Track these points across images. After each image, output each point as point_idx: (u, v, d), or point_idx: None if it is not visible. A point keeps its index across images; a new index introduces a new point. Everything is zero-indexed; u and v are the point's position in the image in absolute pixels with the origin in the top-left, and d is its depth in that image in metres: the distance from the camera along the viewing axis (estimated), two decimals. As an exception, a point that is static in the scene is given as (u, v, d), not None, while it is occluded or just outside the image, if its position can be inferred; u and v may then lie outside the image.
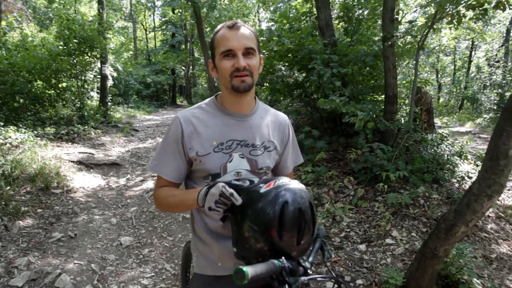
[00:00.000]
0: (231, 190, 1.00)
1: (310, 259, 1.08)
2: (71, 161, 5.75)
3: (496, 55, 16.49)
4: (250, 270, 0.78)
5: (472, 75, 19.63)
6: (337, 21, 7.12)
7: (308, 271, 0.99)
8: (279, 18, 6.91)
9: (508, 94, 13.63)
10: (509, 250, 3.09)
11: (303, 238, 0.96)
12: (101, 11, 10.06)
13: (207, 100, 1.30)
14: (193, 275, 1.32)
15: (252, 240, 0.96)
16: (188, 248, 2.11)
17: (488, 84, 15.99)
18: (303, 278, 0.93)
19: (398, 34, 5.11)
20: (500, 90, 14.19)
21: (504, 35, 16.44)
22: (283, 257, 0.90)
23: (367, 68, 5.79)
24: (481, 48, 19.72)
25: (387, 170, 3.83)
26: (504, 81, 14.30)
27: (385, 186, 3.66)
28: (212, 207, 1.02)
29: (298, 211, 0.94)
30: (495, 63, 15.72)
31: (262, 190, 0.99)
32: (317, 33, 6.22)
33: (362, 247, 3.06)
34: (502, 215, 3.67)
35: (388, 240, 3.10)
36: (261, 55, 1.23)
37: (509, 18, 16.11)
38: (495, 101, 14.29)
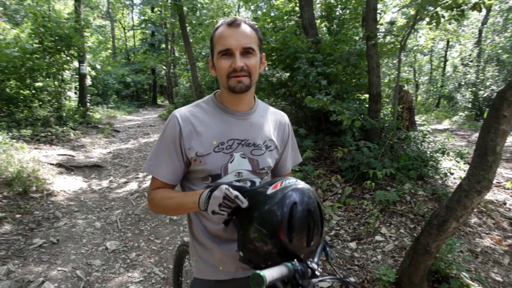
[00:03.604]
0: (236, 193, 0.96)
1: (315, 260, 1.06)
2: (50, 164, 5.54)
3: (470, 55, 17.10)
4: (267, 274, 0.75)
5: (448, 74, 20.30)
6: (319, 21, 7.19)
7: (316, 272, 0.97)
8: (263, 17, 6.90)
9: (481, 92, 14.18)
10: (492, 243, 3.19)
11: (313, 239, 0.94)
12: (78, 8, 9.74)
13: (205, 98, 1.25)
14: (193, 280, 1.27)
15: (260, 243, 0.93)
16: (181, 251, 2.05)
17: (463, 83, 16.58)
18: (314, 280, 0.91)
19: (380, 33, 5.20)
20: (474, 89, 14.73)
21: (477, 36, 17.09)
22: (295, 260, 0.87)
23: (350, 67, 5.86)
24: (456, 48, 20.43)
25: (374, 168, 3.88)
26: (477, 80, 14.85)
27: (372, 183, 3.71)
28: (216, 210, 0.98)
29: (307, 212, 0.92)
30: (469, 63, 16.32)
31: (269, 191, 0.96)
32: (301, 32, 6.24)
33: (353, 244, 3.08)
34: (484, 209, 3.79)
35: (378, 237, 3.14)
36: (263, 54, 1.19)
37: (481, 19, 16.76)
38: (470, 100, 14.84)
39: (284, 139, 1.34)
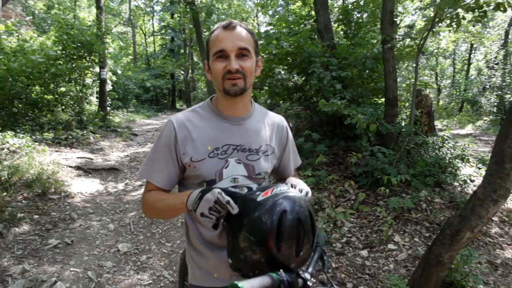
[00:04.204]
0: (228, 198, 0.94)
1: (310, 269, 1.03)
2: (69, 166, 5.70)
3: (496, 57, 16.46)
4: (246, 285, 0.72)
5: (472, 77, 19.63)
6: (336, 24, 7.11)
7: (308, 283, 0.93)
8: (278, 22, 6.90)
9: (508, 96, 13.60)
10: (514, 255, 3.03)
11: (302, 249, 0.90)
12: (99, 16, 10.05)
13: (201, 103, 1.25)
14: (189, 286, 1.26)
15: (249, 252, 0.90)
16: (185, 256, 2.05)
17: (487, 86, 15.97)
18: (303, 291, 0.88)
19: (398, 36, 5.08)
20: (499, 92, 14.16)
21: (503, 37, 16.45)
22: (281, 270, 0.85)
23: (367, 71, 5.76)
24: (480, 51, 19.74)
25: (389, 173, 3.77)
26: (503, 83, 14.27)
27: (386, 190, 3.60)
28: (204, 213, 0.96)
29: (297, 221, 0.89)
30: (494, 66, 15.70)
31: (259, 199, 0.93)
32: (316, 37, 6.20)
33: (364, 252, 3.00)
34: (506, 219, 3.61)
35: (391, 246, 3.04)
36: (260, 57, 1.18)
37: (508, 20, 16.14)
38: (495, 104, 14.27)
39: (282, 142, 1.32)
